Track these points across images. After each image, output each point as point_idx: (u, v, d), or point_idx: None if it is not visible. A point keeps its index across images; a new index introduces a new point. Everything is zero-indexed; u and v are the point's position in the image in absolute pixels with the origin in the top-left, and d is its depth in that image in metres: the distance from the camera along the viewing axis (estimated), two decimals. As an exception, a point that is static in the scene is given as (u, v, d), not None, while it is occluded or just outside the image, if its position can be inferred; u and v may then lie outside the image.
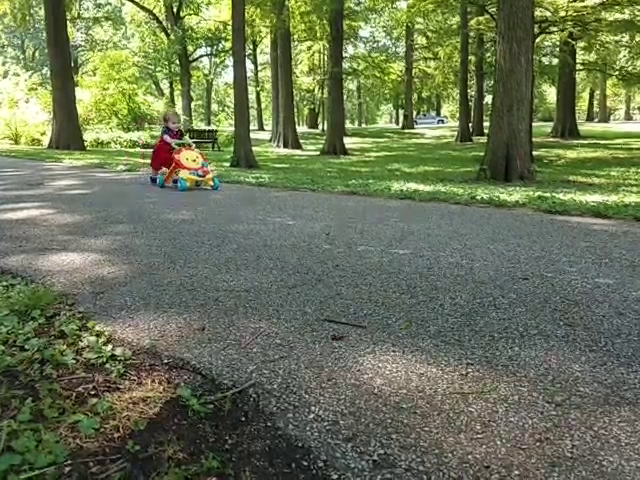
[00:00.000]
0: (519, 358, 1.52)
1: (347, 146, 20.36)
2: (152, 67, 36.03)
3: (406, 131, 37.37)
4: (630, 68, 22.48)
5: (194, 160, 5.97)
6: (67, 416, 1.20)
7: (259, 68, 44.18)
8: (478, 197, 5.00)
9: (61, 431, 1.15)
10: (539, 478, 1.01)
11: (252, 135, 12.76)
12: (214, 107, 54.41)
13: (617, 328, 1.73)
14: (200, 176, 5.91)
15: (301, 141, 23.94)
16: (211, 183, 6.05)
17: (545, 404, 1.26)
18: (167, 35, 32.69)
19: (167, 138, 6.30)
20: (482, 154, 9.48)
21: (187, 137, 6.79)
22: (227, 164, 12.28)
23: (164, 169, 6.39)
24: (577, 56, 22.82)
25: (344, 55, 24.19)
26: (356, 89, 52.70)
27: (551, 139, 24.43)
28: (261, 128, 42.73)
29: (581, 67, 24.36)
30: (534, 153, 11.94)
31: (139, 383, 1.39)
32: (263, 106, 48.12)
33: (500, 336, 1.68)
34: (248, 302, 2.02)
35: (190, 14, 34.24)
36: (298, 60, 37.38)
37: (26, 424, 1.15)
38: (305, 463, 1.07)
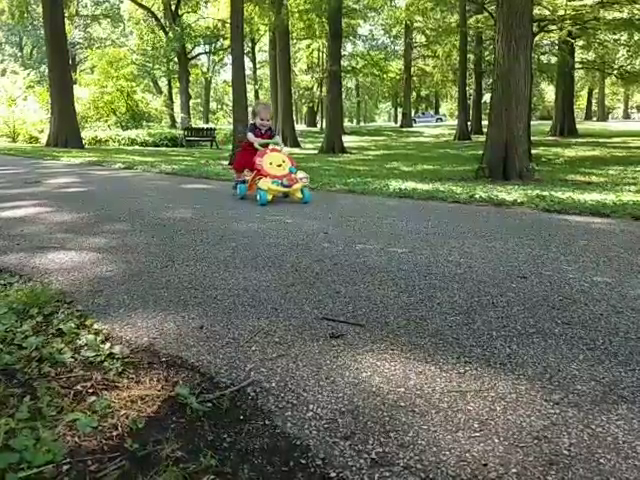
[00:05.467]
0: (517, 356, 1.52)
1: (346, 144, 20.34)
2: (150, 65, 35.95)
3: (404, 129, 37.33)
4: (629, 67, 22.50)
5: (279, 165, 4.69)
6: (65, 414, 1.20)
7: (258, 66, 44.10)
8: (477, 196, 5.00)
9: (59, 429, 1.15)
10: (537, 476, 1.01)
11: (251, 133, 12.72)
12: (212, 105, 54.33)
13: (615, 326, 1.73)
14: (285, 186, 4.61)
15: (300, 139, 23.91)
16: (299, 195, 4.72)
17: (543, 402, 1.27)
18: (165, 33, 32.61)
19: (251, 137, 5.01)
20: (481, 153, 9.49)
21: (279, 137, 5.36)
22: (225, 162, 12.27)
23: (246, 172, 5.17)
24: (576, 55, 22.85)
25: (343, 53, 24.17)
26: (355, 87, 52.69)
27: (550, 138, 24.45)
28: (260, 126, 42.59)
29: (580, 66, 24.38)
30: (532, 152, 11.94)
31: (137, 381, 1.39)
32: (262, 104, 47.97)
33: (498, 334, 1.68)
34: (246, 300, 2.02)
35: (188, 12, 34.18)
36: (297, 58, 37.31)
37: (24, 422, 1.15)
38: (303, 461, 1.07)
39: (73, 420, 1.17)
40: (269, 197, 4.57)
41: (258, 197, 4.59)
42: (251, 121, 5.24)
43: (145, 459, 1.07)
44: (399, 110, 47.91)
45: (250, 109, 5.68)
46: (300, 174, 4.76)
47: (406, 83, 36.09)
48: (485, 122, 16.62)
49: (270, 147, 4.94)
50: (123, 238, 3.17)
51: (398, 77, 35.74)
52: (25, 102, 23.00)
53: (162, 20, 33.56)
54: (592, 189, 6.69)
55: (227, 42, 29.65)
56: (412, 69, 36.56)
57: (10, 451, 1.04)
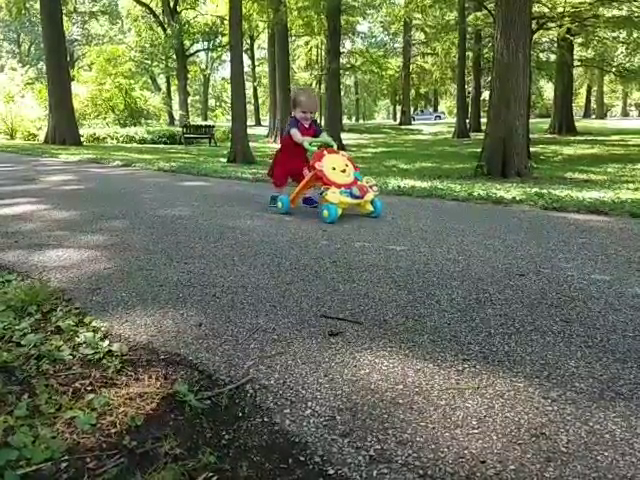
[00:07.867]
0: (515, 354, 1.52)
1: (344, 142, 20.34)
2: (149, 62, 35.90)
3: (403, 127, 37.34)
4: (627, 64, 22.51)
5: (343, 170, 3.73)
6: (64, 412, 1.20)
7: (256, 63, 44.06)
8: (475, 193, 5.00)
9: (58, 427, 1.15)
10: (534, 473, 1.01)
11: (249, 131, 12.73)
12: (211, 102, 54.28)
13: (613, 324, 1.74)
14: (356, 197, 3.60)
15: (298, 137, 23.87)
16: (369, 208, 3.73)
17: (541, 399, 1.27)
18: (164, 30, 32.57)
19: (296, 135, 3.92)
20: (479, 150, 9.49)
21: (326, 134, 4.21)
22: (224, 160, 12.26)
23: (290, 182, 4.23)
24: (575, 52, 22.87)
25: (342, 50, 24.16)
26: (353, 85, 52.71)
27: (548, 135, 24.48)
28: (258, 124, 42.67)
29: (579, 63, 24.40)
30: (531, 149, 11.96)
31: (136, 379, 1.39)
32: (260, 102, 48.01)
33: (496, 332, 1.68)
34: (245, 298, 2.02)
35: (187, 8, 34.09)
36: (295, 55, 37.25)
37: (23, 420, 1.15)
38: (302, 458, 1.07)
39: (72, 417, 1.17)
40: (339, 212, 3.57)
41: (326, 213, 3.55)
42: (292, 113, 4.08)
43: (144, 456, 1.07)
44: (398, 108, 47.89)
45: (292, 96, 4.47)
46: (368, 181, 3.81)
47: (405, 80, 36.09)
48: (484, 120, 16.63)
49: (326, 148, 3.90)
50: (121, 236, 3.16)
51: (397, 74, 35.74)
52: (23, 99, 22.95)
53: (160, 17, 33.51)
54: (590, 187, 6.69)
55: (225, 39, 29.59)
56: (411, 66, 36.56)
57: (9, 448, 1.04)
